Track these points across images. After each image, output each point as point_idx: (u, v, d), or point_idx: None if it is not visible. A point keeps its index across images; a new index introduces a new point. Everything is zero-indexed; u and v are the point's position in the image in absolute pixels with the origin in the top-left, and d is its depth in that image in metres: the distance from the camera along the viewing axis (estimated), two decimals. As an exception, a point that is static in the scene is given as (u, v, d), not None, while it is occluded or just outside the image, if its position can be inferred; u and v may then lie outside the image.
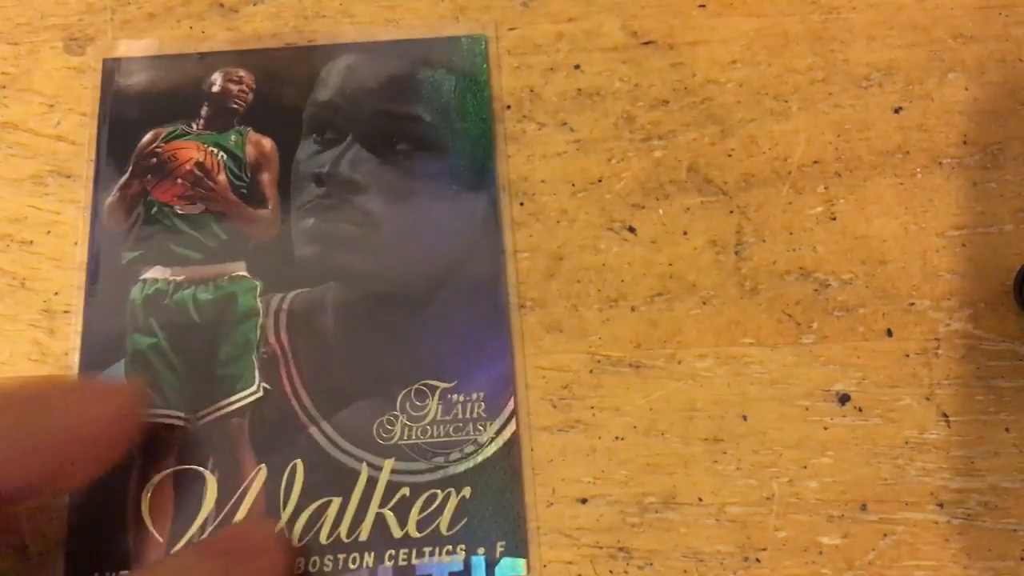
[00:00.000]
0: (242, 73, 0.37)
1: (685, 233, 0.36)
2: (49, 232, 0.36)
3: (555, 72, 0.38)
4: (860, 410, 0.34)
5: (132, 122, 0.37)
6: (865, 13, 0.39)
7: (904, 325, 0.35)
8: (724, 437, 0.33)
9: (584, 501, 0.33)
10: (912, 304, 0.35)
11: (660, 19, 0.39)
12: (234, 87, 0.37)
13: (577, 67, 0.38)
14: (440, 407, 0.33)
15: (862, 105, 0.38)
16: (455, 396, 0.33)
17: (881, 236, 0.36)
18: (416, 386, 0.33)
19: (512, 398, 0.33)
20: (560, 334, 0.35)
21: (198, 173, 0.36)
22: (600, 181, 0.37)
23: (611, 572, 0.32)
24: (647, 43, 0.39)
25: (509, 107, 0.38)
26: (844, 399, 0.34)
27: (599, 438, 0.33)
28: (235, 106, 0.37)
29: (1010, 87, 0.38)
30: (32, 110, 0.37)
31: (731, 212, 0.36)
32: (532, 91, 0.38)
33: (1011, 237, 0.36)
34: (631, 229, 0.36)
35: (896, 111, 0.38)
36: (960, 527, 0.32)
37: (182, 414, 0.33)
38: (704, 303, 0.35)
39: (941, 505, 0.33)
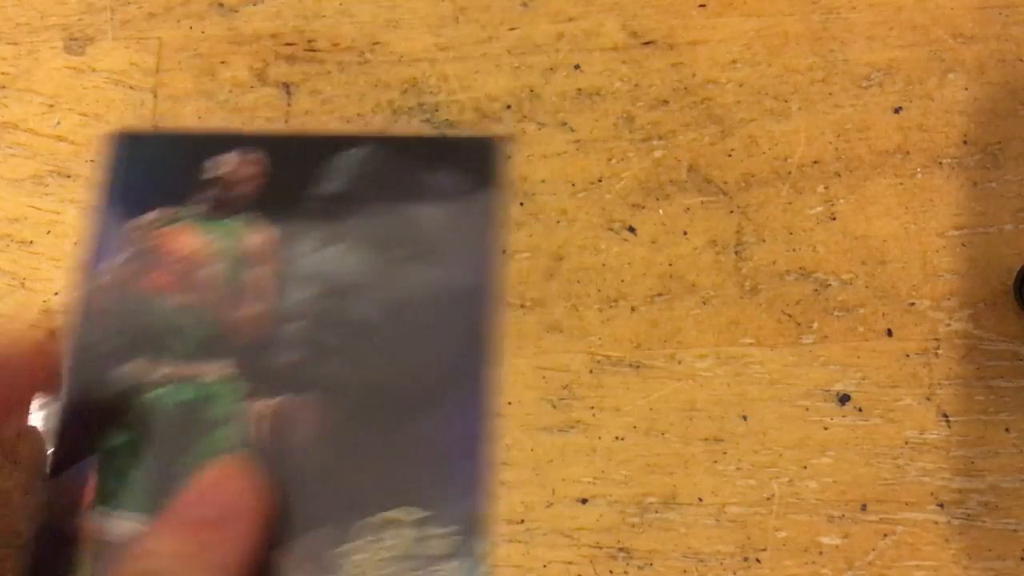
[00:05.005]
0: (246, 159, 0.37)
1: (685, 233, 0.36)
2: (49, 232, 0.36)
3: (555, 72, 0.38)
4: (860, 410, 0.34)
5: (130, 202, 0.36)
6: (865, 13, 0.39)
7: (904, 325, 0.35)
8: (724, 437, 0.33)
9: (584, 501, 0.33)
10: (912, 304, 0.35)
11: (660, 19, 0.39)
12: (238, 174, 0.37)
13: (577, 67, 0.38)
14: (406, 541, 0.32)
15: (862, 105, 0.38)
16: (422, 530, 0.32)
17: (881, 236, 0.36)
18: (381, 515, 0.32)
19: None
20: (560, 334, 0.35)
21: (191, 263, 0.35)
22: (600, 181, 0.37)
23: (611, 572, 0.32)
24: (647, 43, 0.39)
25: (509, 107, 0.38)
26: (844, 399, 0.34)
27: (599, 438, 0.33)
28: (237, 194, 0.37)
29: (1010, 87, 0.38)
30: (32, 110, 0.37)
31: (731, 212, 0.36)
32: (532, 91, 0.38)
33: (1011, 237, 0.36)
34: (631, 229, 0.36)
35: (896, 111, 0.38)
36: (960, 527, 0.32)
37: (142, 517, 0.31)
38: (704, 303, 0.35)
39: (941, 505, 0.33)
